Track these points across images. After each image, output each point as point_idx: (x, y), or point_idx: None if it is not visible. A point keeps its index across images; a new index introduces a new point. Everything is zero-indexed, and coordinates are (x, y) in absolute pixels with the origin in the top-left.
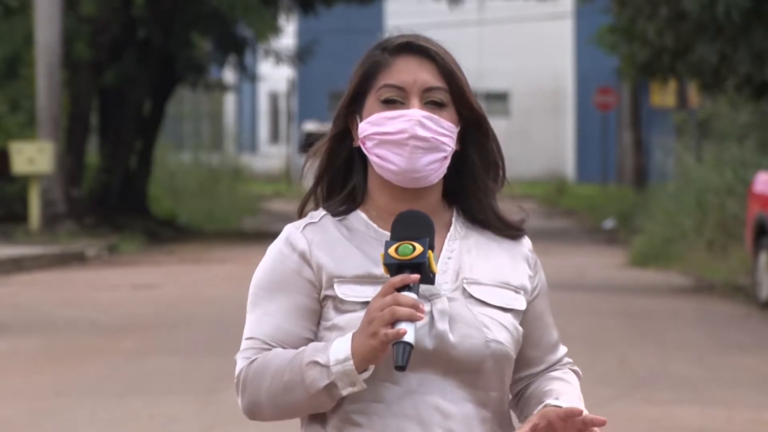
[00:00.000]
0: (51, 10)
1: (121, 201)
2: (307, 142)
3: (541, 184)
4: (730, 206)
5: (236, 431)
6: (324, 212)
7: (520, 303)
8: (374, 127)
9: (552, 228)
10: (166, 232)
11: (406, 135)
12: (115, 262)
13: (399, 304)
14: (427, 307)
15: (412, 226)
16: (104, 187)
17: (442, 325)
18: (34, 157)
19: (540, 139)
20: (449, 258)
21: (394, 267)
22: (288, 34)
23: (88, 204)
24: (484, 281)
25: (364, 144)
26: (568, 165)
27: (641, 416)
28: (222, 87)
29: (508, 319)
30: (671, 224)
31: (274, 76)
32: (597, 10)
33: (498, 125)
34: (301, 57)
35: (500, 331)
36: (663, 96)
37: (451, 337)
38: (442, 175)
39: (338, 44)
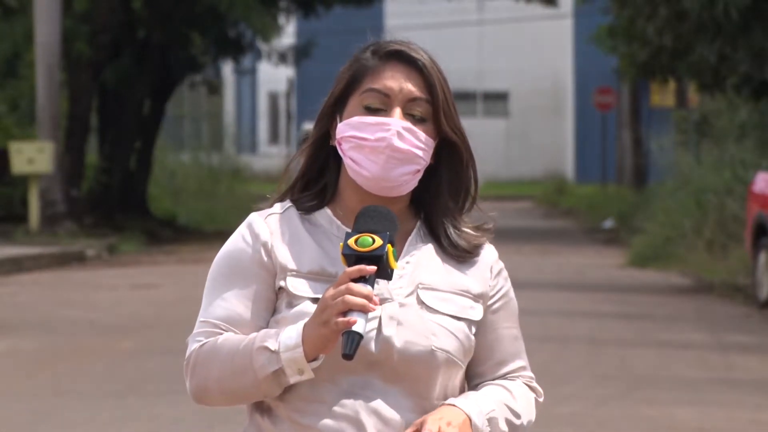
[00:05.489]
0: (50, 10)
1: (121, 201)
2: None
3: (540, 184)
4: (729, 206)
5: (236, 431)
6: (290, 204)
7: (476, 313)
8: (353, 130)
9: (552, 228)
10: (166, 232)
11: (383, 144)
12: (115, 262)
13: (352, 294)
14: (377, 312)
15: (375, 220)
16: (104, 187)
17: (388, 330)
18: (34, 157)
19: (539, 139)
20: (407, 263)
21: (353, 258)
22: (288, 35)
23: (88, 204)
24: (440, 287)
25: (340, 145)
26: (568, 165)
27: (641, 416)
28: (212, 86)
29: (460, 328)
30: (671, 224)
31: (274, 76)
32: (597, 10)
33: (498, 125)
34: (299, 56)
35: (448, 340)
36: (663, 96)
37: (396, 343)
38: (412, 187)
39: (338, 45)
